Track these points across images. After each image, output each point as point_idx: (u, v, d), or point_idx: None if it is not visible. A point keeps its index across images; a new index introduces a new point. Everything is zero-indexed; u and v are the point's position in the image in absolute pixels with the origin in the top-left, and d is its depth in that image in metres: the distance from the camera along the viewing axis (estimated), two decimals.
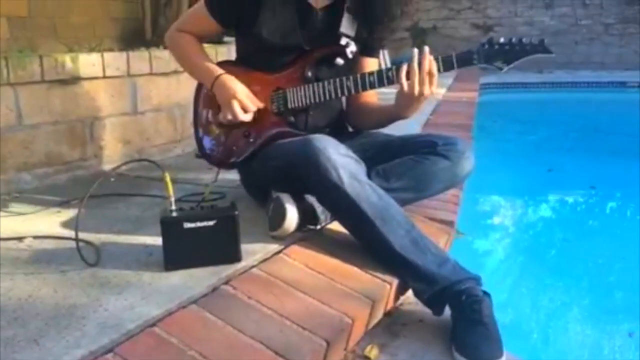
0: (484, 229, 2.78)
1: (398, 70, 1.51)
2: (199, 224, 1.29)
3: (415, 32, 9.07)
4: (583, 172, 3.82)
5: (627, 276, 2.18)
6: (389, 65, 1.54)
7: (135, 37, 4.13)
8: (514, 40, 1.48)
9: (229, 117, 1.63)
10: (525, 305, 1.98)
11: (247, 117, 1.63)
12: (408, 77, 1.49)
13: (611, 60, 8.79)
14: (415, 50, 1.48)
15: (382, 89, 1.61)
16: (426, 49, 1.48)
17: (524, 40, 1.48)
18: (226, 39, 3.02)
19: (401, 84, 1.49)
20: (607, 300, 2.01)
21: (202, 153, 1.81)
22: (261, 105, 1.65)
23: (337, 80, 1.58)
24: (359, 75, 1.57)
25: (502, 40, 1.48)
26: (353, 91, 1.59)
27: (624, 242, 2.59)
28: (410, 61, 1.48)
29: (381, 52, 1.80)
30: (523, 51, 1.48)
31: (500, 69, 1.48)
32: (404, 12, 1.69)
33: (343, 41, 1.64)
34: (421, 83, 1.47)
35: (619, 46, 8.82)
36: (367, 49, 1.74)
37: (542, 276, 2.24)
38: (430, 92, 1.50)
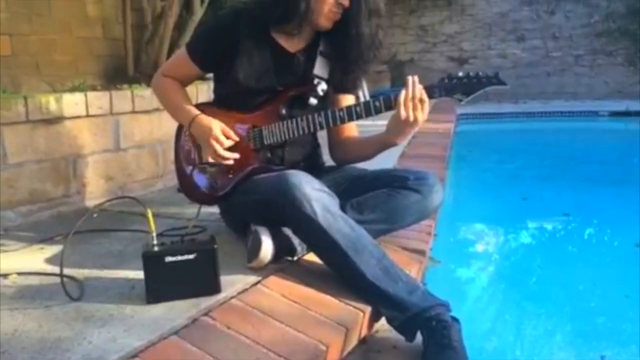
0: (463, 257, 2.83)
1: (385, 101, 1.59)
2: (179, 258, 1.35)
3: (394, 64, 9.30)
4: (557, 199, 3.92)
5: (604, 301, 2.24)
6: (367, 95, 1.62)
7: (117, 73, 4.20)
8: (471, 74, 1.58)
9: (210, 158, 1.71)
10: (508, 333, 2.01)
11: (228, 155, 1.68)
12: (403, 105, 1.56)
13: (583, 90, 9.08)
14: (409, 78, 1.56)
15: (361, 122, 1.69)
16: (416, 78, 1.57)
17: (480, 73, 1.59)
18: (208, 75, 3.12)
19: (398, 110, 1.56)
20: (588, 326, 2.06)
21: (183, 191, 1.88)
22: (237, 139, 1.72)
23: (309, 116, 1.67)
24: (329, 111, 1.66)
25: (460, 74, 1.59)
26: (324, 126, 1.68)
27: (598, 268, 2.66)
28: (405, 89, 1.56)
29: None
30: (480, 84, 1.58)
31: (460, 100, 1.58)
32: (377, 56, 1.79)
33: (315, 81, 1.73)
34: (415, 109, 1.56)
35: (590, 77, 9.12)
36: (342, 88, 1.83)
37: (523, 303, 2.30)
38: (423, 118, 1.58)
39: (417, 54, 9.58)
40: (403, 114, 1.56)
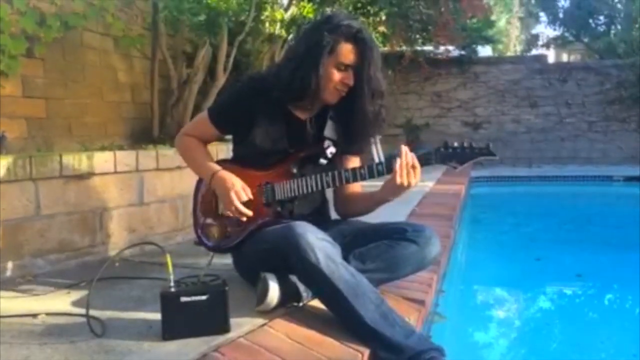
0: (472, 315, 2.88)
1: (387, 164, 1.75)
2: (193, 298, 1.49)
3: (409, 128, 9.57)
4: (569, 261, 3.97)
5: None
6: (381, 155, 1.78)
7: (143, 135, 4.44)
8: (465, 144, 1.75)
9: (228, 211, 1.86)
10: None
11: (244, 210, 1.83)
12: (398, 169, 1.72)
13: (597, 156, 9.20)
14: (403, 148, 1.73)
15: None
16: (406, 148, 1.73)
17: (473, 144, 1.75)
18: (227, 137, 3.32)
19: (394, 176, 1.73)
20: None
21: (200, 240, 2.03)
22: (252, 197, 1.87)
23: (318, 175, 1.83)
24: (336, 172, 1.83)
25: (455, 144, 1.75)
26: (331, 185, 1.84)
27: (607, 327, 2.69)
28: (399, 158, 1.72)
29: (374, 145, 2.05)
30: (472, 154, 1.74)
31: (455, 167, 1.74)
32: (379, 132, 1.94)
33: (325, 144, 1.91)
34: (408, 175, 1.72)
35: (604, 142, 9.26)
36: (347, 151, 1.99)
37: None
38: (415, 182, 1.74)
39: (432, 118, 9.85)
40: (398, 179, 1.72)
